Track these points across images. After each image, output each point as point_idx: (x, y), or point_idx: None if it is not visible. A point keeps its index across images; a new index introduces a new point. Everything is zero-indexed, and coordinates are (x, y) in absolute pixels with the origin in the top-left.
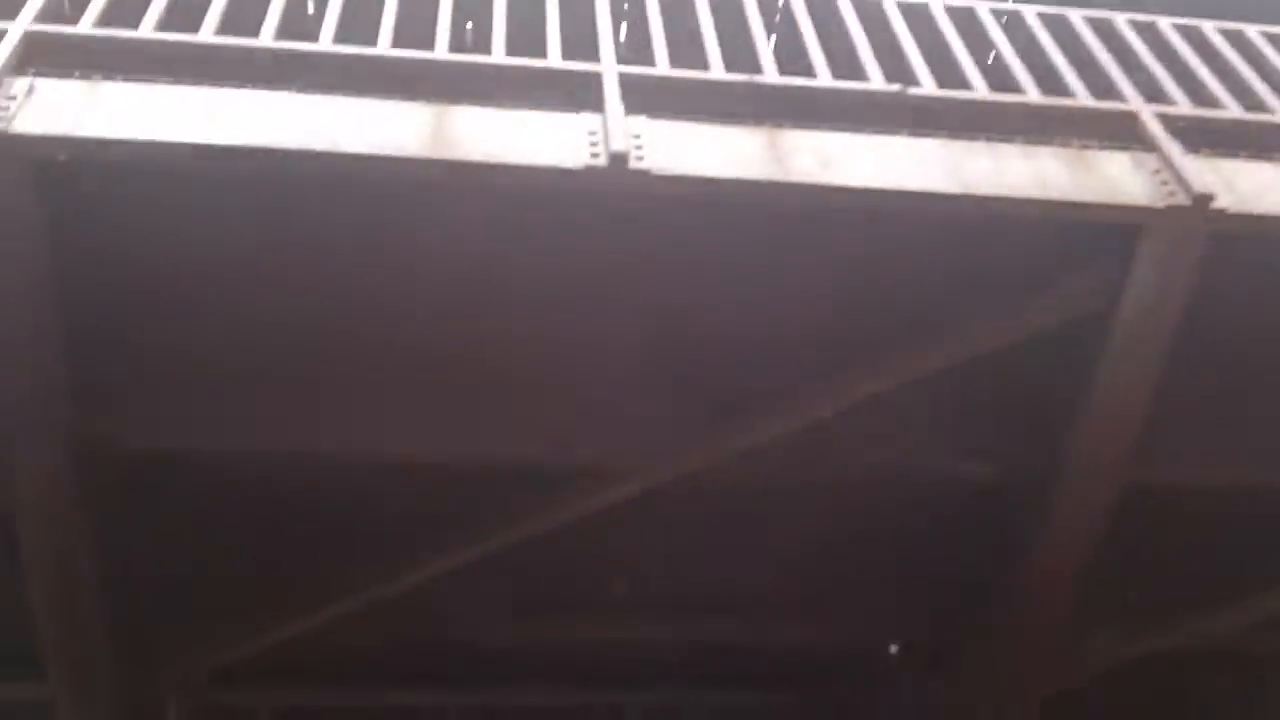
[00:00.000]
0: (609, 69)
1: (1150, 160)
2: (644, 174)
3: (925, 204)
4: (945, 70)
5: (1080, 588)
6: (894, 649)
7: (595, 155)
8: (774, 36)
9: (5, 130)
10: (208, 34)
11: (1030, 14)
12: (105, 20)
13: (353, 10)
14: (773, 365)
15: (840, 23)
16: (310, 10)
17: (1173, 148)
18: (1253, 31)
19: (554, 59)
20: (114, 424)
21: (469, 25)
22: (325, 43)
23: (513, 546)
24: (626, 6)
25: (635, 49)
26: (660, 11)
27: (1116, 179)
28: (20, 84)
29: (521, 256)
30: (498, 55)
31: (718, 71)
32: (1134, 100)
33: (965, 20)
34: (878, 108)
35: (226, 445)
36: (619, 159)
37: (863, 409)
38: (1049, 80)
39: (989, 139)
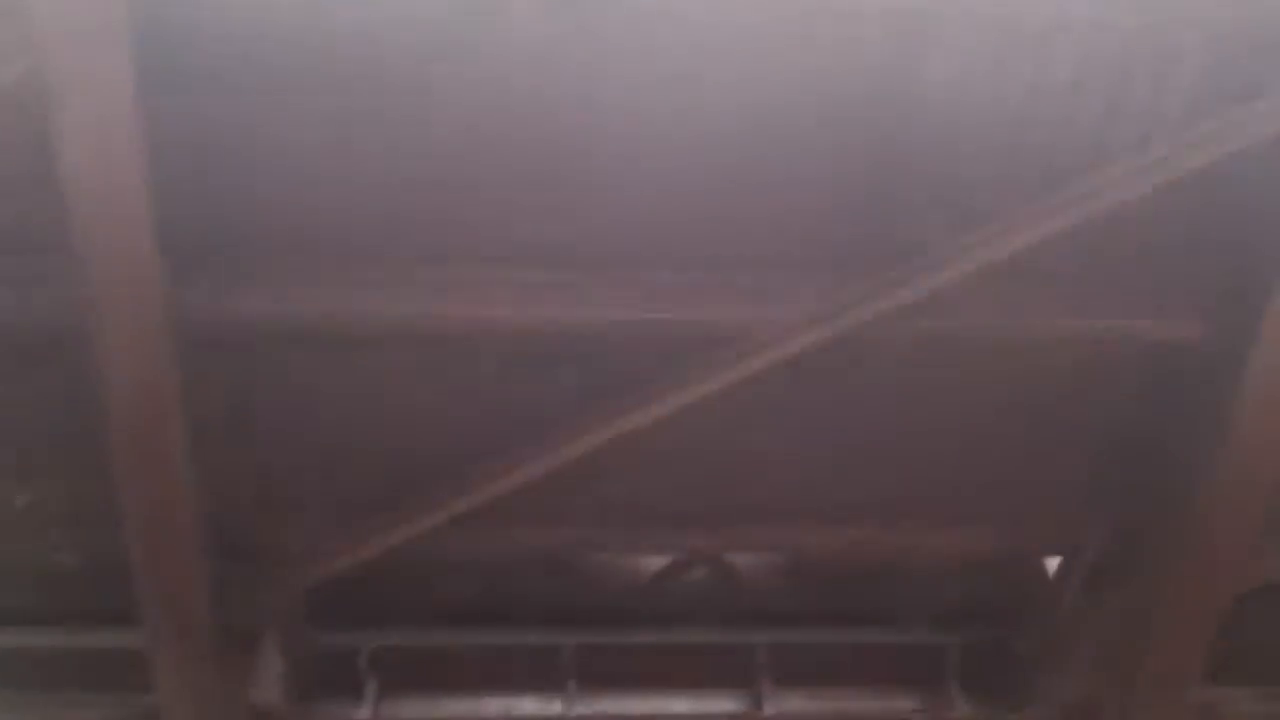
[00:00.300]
0: None
1: None
2: None
3: None
4: None
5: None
6: (1055, 561)
7: None
8: None
9: None
10: None
11: None
12: None
13: None
14: (929, 209)
15: None
16: None
17: None
18: None
19: None
20: (207, 290)
21: None
22: None
23: (622, 444)
24: None
25: None
26: None
27: None
28: None
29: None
30: None
31: None
32: None
33: None
34: None
35: (316, 318)
36: None
37: (1027, 257)
38: None
39: None
